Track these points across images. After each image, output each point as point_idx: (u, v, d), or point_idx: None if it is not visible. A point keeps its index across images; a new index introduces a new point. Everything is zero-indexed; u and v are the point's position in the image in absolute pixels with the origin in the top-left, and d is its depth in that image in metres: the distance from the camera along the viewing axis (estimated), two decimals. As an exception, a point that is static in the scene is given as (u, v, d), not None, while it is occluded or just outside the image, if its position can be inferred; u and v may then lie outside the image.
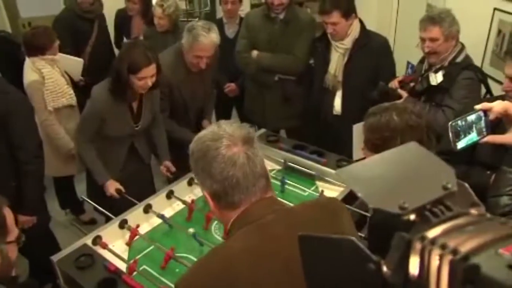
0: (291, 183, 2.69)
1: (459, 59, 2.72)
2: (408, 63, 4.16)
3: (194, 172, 1.30)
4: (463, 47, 2.76)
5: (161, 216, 2.40)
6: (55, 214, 3.90)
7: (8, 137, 2.49)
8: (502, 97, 2.20)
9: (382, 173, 0.68)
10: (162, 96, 3.03)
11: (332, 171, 2.68)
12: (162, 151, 3.04)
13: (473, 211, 0.57)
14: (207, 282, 1.17)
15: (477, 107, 1.34)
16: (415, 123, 1.67)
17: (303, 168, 2.77)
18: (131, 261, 2.12)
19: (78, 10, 4.06)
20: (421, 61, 2.98)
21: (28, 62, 3.23)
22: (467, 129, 1.32)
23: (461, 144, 1.34)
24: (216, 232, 2.37)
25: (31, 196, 2.61)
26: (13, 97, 2.54)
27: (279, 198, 1.47)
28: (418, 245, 0.53)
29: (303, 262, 0.71)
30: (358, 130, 2.79)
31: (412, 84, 2.83)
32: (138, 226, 2.34)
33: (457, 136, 1.32)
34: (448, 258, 0.49)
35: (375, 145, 1.72)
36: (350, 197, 2.35)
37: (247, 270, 1.15)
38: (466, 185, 0.62)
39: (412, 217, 0.59)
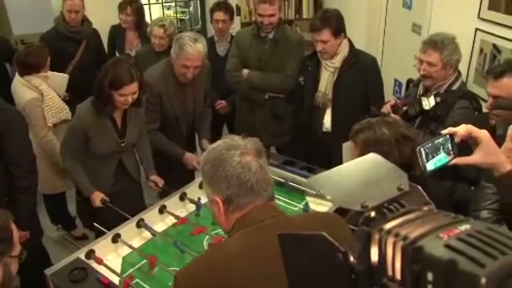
0: (282, 198, 2.73)
1: (454, 87, 2.74)
2: (396, 80, 4.27)
3: (206, 180, 1.40)
4: (459, 74, 2.78)
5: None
6: (47, 230, 3.89)
7: (2, 153, 2.52)
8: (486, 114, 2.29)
9: (346, 179, 0.79)
10: (152, 107, 3.08)
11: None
12: (147, 166, 3.08)
13: (425, 208, 0.68)
14: (205, 276, 1.27)
15: (444, 132, 1.43)
16: (405, 133, 1.75)
17: (294, 184, 2.82)
18: (125, 275, 2.15)
19: (64, 29, 4.07)
20: (416, 85, 3.00)
21: (20, 80, 3.25)
22: (435, 151, 1.41)
23: (430, 167, 1.42)
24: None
25: (25, 211, 2.63)
26: (10, 114, 2.58)
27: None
28: (376, 236, 0.62)
29: (284, 260, 0.82)
30: (347, 148, 2.86)
31: (405, 109, 2.83)
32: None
33: (427, 159, 1.41)
34: (400, 244, 0.59)
35: None
36: (339, 212, 2.40)
37: (244, 270, 1.24)
38: (419, 187, 0.72)
39: (372, 214, 0.69)
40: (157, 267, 2.17)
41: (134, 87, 2.62)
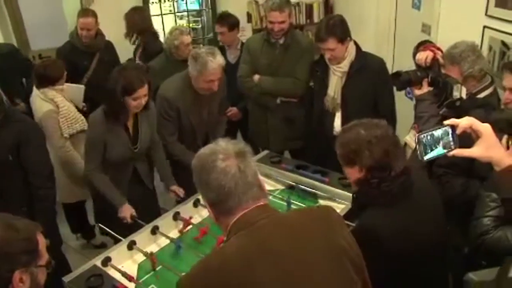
0: (295, 202, 2.75)
1: (482, 95, 2.59)
2: (407, 81, 4.25)
3: (196, 185, 1.46)
4: (490, 83, 2.61)
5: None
6: (67, 239, 3.98)
7: (21, 164, 2.61)
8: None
9: None
10: (170, 119, 3.13)
11: (334, 189, 2.75)
12: (166, 176, 3.12)
13: None
14: (204, 278, 1.31)
15: (445, 122, 1.45)
16: (381, 134, 1.76)
17: (306, 187, 2.85)
18: (140, 281, 2.20)
19: (78, 43, 4.17)
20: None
21: (37, 93, 3.35)
22: (433, 143, 1.43)
23: (427, 156, 1.45)
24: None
25: (44, 220, 2.66)
26: (26, 126, 2.66)
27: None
28: None
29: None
30: None
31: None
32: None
33: (424, 149, 1.43)
34: None
35: (348, 158, 1.81)
36: (351, 214, 2.42)
37: (240, 269, 1.28)
38: None
39: None
40: (172, 273, 2.21)
41: (145, 89, 2.70)
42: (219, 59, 3.02)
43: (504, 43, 2.92)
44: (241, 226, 1.36)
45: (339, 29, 3.06)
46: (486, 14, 3.05)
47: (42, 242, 1.53)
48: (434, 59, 2.65)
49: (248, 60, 3.65)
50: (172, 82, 3.19)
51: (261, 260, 1.28)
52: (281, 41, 3.53)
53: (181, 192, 3.00)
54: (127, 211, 2.76)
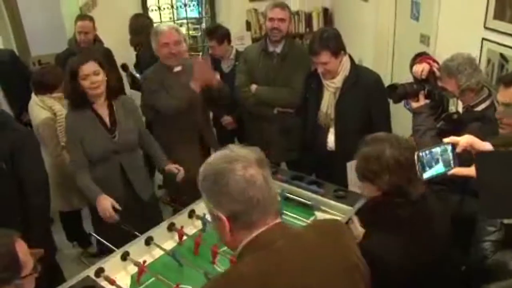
0: (290, 214, 2.71)
1: (479, 107, 2.55)
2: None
3: (207, 196, 1.31)
4: (489, 95, 2.57)
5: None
6: (63, 247, 3.98)
7: (15, 173, 2.58)
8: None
9: None
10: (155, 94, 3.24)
11: (330, 201, 2.73)
12: (158, 156, 3.10)
13: None
14: None
15: (445, 140, 1.44)
16: (405, 160, 1.72)
17: (301, 199, 2.83)
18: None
19: (76, 50, 4.17)
20: None
21: (35, 100, 3.36)
22: (433, 161, 1.41)
23: (427, 175, 1.43)
24: (219, 266, 2.38)
25: (37, 229, 2.66)
26: (20, 134, 2.64)
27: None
28: None
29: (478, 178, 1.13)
30: (351, 167, 2.78)
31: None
32: (145, 262, 2.36)
33: (423, 167, 1.41)
34: None
35: (367, 176, 1.78)
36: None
37: None
38: None
39: None
40: (165, 286, 2.19)
41: (91, 65, 2.71)
42: (168, 24, 3.26)
43: (502, 56, 2.91)
44: (259, 246, 1.27)
45: (332, 42, 2.99)
46: (484, 27, 3.04)
47: (23, 250, 1.49)
48: (430, 71, 2.69)
49: (244, 70, 3.63)
50: (148, 69, 3.40)
51: (278, 283, 1.23)
52: (278, 51, 3.52)
53: (180, 170, 2.96)
54: (104, 202, 2.70)
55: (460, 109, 2.58)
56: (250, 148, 1.34)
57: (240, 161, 1.27)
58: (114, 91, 2.82)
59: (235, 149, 1.32)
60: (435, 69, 2.70)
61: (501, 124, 2.22)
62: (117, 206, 2.72)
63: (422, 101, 2.65)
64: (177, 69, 3.27)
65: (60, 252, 3.80)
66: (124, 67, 4.57)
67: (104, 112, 2.85)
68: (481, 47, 3.08)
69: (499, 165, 1.27)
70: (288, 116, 3.57)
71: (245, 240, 1.29)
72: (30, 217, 2.65)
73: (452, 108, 2.56)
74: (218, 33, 4.06)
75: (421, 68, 2.71)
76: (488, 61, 3.04)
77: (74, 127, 2.78)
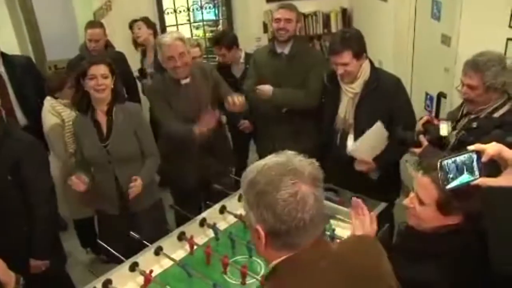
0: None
1: (498, 113, 2.46)
2: (427, 94, 4.12)
3: (249, 204, 1.20)
4: (508, 99, 2.47)
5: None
6: (77, 253, 3.97)
7: (20, 182, 2.56)
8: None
9: None
10: (162, 105, 3.16)
11: (346, 209, 2.63)
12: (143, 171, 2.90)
13: None
14: None
15: (470, 147, 1.33)
16: None
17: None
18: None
19: (87, 55, 4.11)
20: (460, 106, 2.76)
21: (47, 106, 3.36)
22: (457, 171, 1.32)
23: (451, 185, 1.33)
24: (230, 277, 2.32)
25: (43, 240, 2.64)
26: (26, 144, 2.61)
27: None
28: None
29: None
30: (378, 129, 2.90)
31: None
32: (151, 271, 2.30)
33: (447, 177, 1.31)
34: None
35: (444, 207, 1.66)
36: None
37: None
38: None
39: None
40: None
41: (102, 68, 2.70)
42: (173, 35, 3.08)
43: (528, 57, 2.77)
44: (298, 265, 1.18)
45: (355, 43, 2.89)
46: (509, 26, 2.91)
47: (2, 269, 1.43)
48: (429, 121, 2.68)
49: (253, 74, 3.59)
50: (155, 79, 3.36)
51: None
52: (286, 52, 3.46)
53: (134, 187, 2.73)
54: (75, 182, 2.67)
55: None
56: (308, 161, 1.21)
57: (295, 176, 1.15)
58: (117, 98, 2.80)
59: (293, 159, 1.20)
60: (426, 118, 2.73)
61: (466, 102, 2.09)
62: (87, 181, 2.73)
63: (424, 143, 2.60)
64: (185, 81, 3.14)
65: (73, 258, 3.78)
66: (142, 71, 4.52)
67: (102, 119, 2.80)
68: (506, 47, 2.94)
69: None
70: (296, 118, 3.47)
71: (284, 256, 1.19)
72: (36, 228, 2.62)
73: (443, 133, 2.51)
74: (225, 40, 3.98)
75: (417, 127, 2.69)
76: (513, 62, 2.90)
77: (74, 125, 2.87)
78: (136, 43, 4.59)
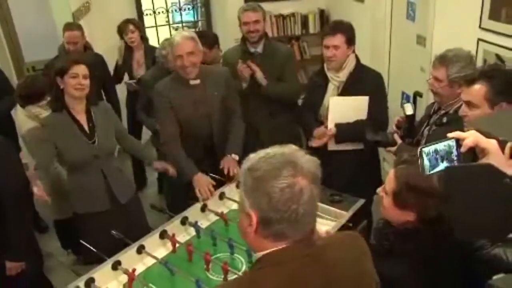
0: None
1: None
2: (403, 93, 4.21)
3: (247, 189, 1.21)
4: None
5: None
6: (57, 254, 3.94)
7: None
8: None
9: None
10: (167, 111, 3.06)
11: (324, 206, 2.67)
12: (144, 156, 3.26)
13: None
14: None
15: (450, 135, 1.36)
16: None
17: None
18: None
19: (66, 56, 4.07)
20: (433, 103, 2.85)
21: (21, 111, 3.28)
22: (437, 158, 1.34)
23: (431, 172, 1.35)
24: (212, 273, 2.34)
25: (16, 241, 2.61)
26: None
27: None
28: None
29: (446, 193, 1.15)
30: (363, 101, 3.06)
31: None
32: (134, 270, 2.31)
33: (427, 164, 1.34)
34: None
35: (400, 202, 1.73)
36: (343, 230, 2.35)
37: None
38: None
39: None
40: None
41: (83, 68, 2.72)
42: (184, 33, 3.02)
43: (498, 57, 2.86)
44: (281, 259, 1.19)
45: (348, 30, 3.07)
46: (480, 27, 3.01)
47: None
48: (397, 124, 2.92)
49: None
50: (162, 80, 3.19)
51: None
52: (259, 50, 3.58)
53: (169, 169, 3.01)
54: (40, 195, 2.68)
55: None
56: (311, 158, 1.22)
57: (296, 169, 1.16)
58: (92, 101, 2.85)
59: (296, 153, 1.20)
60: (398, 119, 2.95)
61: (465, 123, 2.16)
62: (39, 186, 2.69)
63: (398, 141, 2.76)
64: (194, 82, 3.04)
65: (55, 259, 3.76)
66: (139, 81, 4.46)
67: (82, 118, 2.82)
68: (477, 47, 3.04)
69: (468, 181, 1.19)
70: (274, 103, 3.60)
71: (269, 248, 1.21)
72: (9, 230, 2.57)
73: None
74: (207, 39, 3.92)
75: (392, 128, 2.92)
76: (484, 61, 3.00)
77: (50, 131, 2.76)
78: (127, 47, 4.50)
